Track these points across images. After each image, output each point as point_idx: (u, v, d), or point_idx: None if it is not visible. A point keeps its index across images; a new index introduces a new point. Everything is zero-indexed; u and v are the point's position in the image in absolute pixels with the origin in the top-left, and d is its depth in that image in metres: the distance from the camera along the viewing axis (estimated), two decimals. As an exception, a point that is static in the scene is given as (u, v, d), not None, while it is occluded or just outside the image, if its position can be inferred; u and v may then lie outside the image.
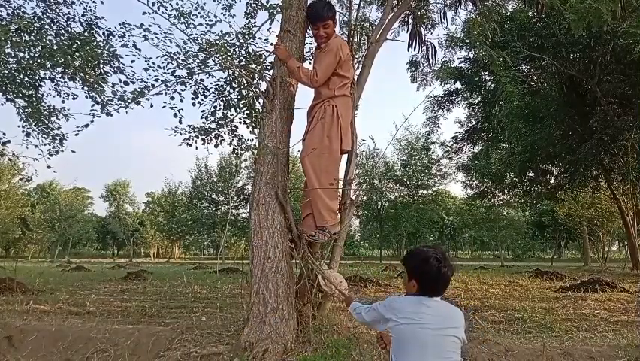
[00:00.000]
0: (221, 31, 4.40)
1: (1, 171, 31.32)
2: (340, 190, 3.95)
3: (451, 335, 1.83)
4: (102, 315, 5.75)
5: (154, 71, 4.06)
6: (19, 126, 4.89)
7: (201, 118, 4.13)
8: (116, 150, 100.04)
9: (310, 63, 4.19)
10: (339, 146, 3.69)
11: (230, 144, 4.17)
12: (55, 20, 5.05)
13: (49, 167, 4.95)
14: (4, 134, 4.97)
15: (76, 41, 4.55)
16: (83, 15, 5.12)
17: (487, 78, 18.67)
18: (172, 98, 4.07)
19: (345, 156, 4.04)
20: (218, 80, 4.17)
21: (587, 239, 30.59)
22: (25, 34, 4.38)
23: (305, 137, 3.81)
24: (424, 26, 6.95)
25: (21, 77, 4.71)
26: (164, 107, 4.03)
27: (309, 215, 3.76)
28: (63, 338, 3.96)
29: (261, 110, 3.95)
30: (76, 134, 4.29)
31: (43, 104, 4.96)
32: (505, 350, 3.65)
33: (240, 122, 4.13)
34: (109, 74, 4.68)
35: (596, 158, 16.23)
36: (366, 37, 5.12)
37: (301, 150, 3.78)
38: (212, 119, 4.14)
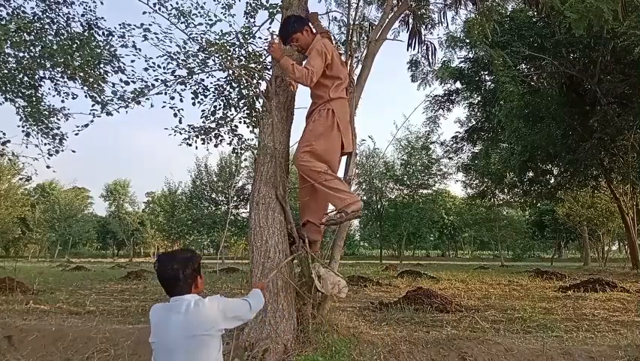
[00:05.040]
0: (221, 30, 4.40)
1: (1, 171, 31.31)
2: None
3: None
4: (102, 315, 5.75)
5: (154, 70, 4.06)
6: (19, 126, 4.90)
7: (201, 118, 4.13)
8: (116, 150, 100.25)
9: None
10: (340, 147, 3.69)
11: (230, 144, 4.17)
12: (55, 20, 5.05)
13: (48, 167, 4.97)
14: (4, 134, 4.99)
15: (77, 41, 4.56)
16: (82, 15, 5.13)
17: (487, 78, 18.71)
18: (172, 98, 4.07)
19: (344, 156, 4.04)
20: (218, 79, 4.17)
21: (587, 239, 30.62)
22: (25, 34, 4.38)
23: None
24: (424, 26, 6.92)
25: (21, 76, 4.72)
26: (164, 107, 4.03)
27: (307, 222, 3.76)
28: (63, 338, 3.95)
29: (260, 109, 3.95)
30: (77, 134, 4.30)
31: (43, 103, 4.97)
32: (505, 349, 3.65)
33: (240, 122, 4.13)
34: (109, 74, 4.69)
35: (596, 158, 16.24)
36: (365, 37, 5.11)
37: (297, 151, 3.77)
38: (212, 118, 4.13)
